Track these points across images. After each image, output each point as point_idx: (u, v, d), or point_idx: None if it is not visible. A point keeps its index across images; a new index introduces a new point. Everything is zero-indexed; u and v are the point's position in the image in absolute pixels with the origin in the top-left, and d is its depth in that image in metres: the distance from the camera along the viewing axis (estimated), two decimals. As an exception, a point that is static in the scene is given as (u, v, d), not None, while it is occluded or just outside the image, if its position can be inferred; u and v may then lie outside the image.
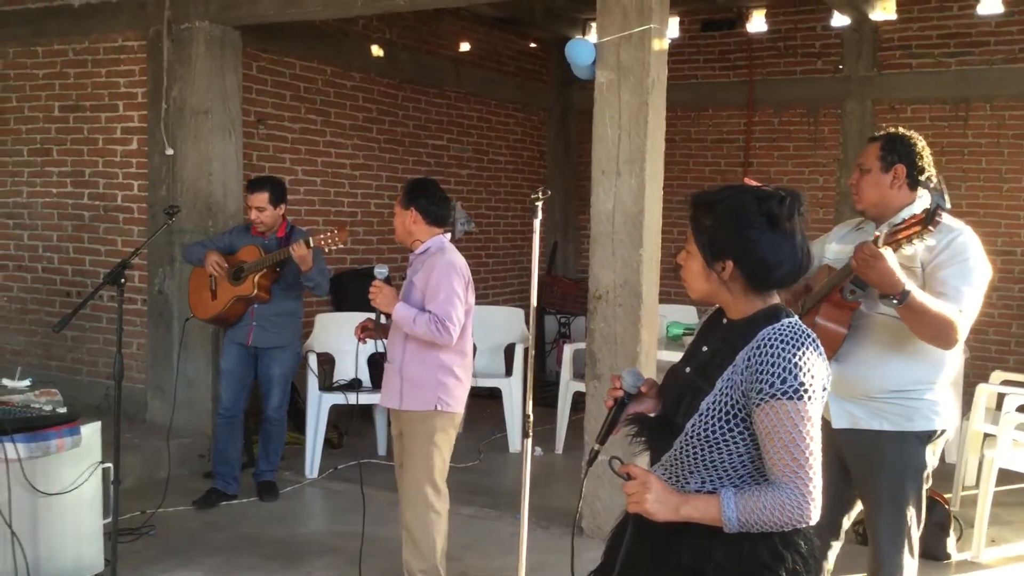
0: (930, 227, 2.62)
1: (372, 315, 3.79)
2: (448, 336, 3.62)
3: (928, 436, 2.95)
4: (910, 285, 2.66)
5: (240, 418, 5.24)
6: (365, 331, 3.81)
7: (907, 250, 2.69)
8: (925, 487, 3.02)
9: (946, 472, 5.57)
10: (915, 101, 7.89)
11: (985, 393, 5.12)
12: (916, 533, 3.02)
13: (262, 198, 5.04)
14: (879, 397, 2.94)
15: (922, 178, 2.99)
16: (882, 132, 3.09)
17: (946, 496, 4.71)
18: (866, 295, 2.85)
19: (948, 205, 2.78)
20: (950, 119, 7.79)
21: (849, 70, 8.04)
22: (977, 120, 7.69)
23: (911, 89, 7.87)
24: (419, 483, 3.73)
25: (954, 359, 2.98)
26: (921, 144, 3.01)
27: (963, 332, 2.78)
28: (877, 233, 2.76)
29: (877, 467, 2.98)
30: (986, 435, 5.03)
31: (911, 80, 7.87)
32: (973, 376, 6.24)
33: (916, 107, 7.90)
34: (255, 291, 4.98)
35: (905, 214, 2.84)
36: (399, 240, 3.92)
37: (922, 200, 2.99)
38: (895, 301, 2.68)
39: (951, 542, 4.51)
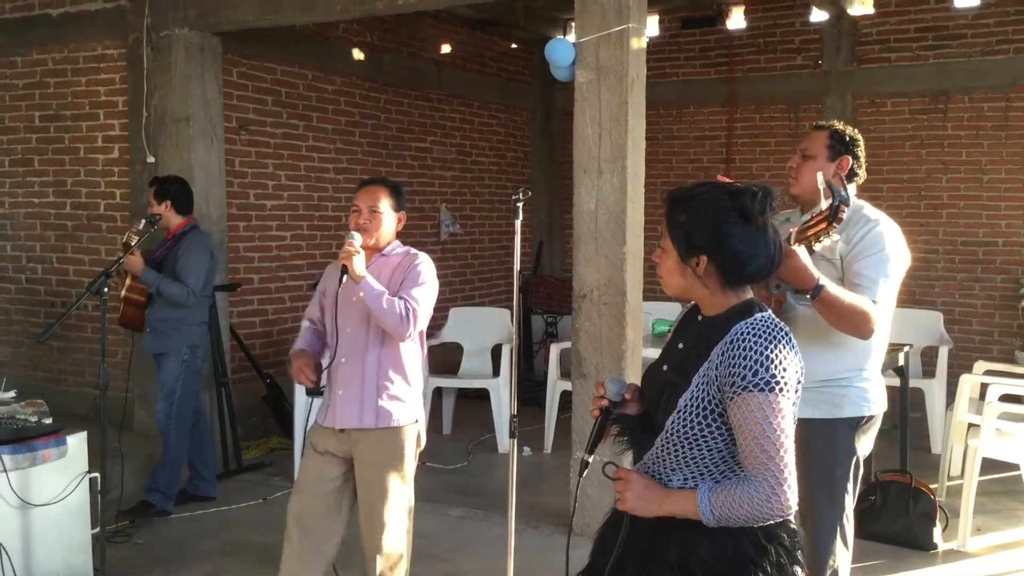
0: (834, 223, 2.64)
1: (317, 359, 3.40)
2: (411, 327, 3.26)
3: (857, 422, 3.03)
4: (823, 280, 2.71)
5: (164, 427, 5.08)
6: (304, 373, 3.31)
7: (817, 247, 2.73)
8: (857, 475, 3.07)
9: (931, 462, 5.63)
10: (895, 95, 7.95)
11: (969, 383, 5.16)
12: (849, 524, 3.06)
13: (151, 192, 5.02)
14: (808, 387, 2.94)
15: (858, 174, 3.09)
16: (827, 123, 3.16)
17: (932, 486, 4.74)
18: (791, 288, 2.88)
19: (851, 199, 2.80)
20: (929, 112, 7.84)
21: (828, 65, 8.09)
22: (956, 112, 7.75)
23: (890, 83, 7.93)
24: (400, 504, 3.39)
25: (881, 346, 3.05)
26: (862, 143, 3.12)
27: (878, 322, 2.85)
28: (791, 230, 2.79)
29: (808, 454, 2.93)
30: (970, 425, 5.06)
31: (890, 74, 7.92)
32: (957, 367, 6.29)
33: (896, 100, 7.96)
34: (123, 291, 4.89)
35: (816, 209, 2.88)
36: (378, 245, 3.40)
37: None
38: (808, 297, 2.74)
39: (937, 532, 4.54)
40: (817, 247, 2.73)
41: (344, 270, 3.21)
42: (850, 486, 3.03)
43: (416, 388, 3.44)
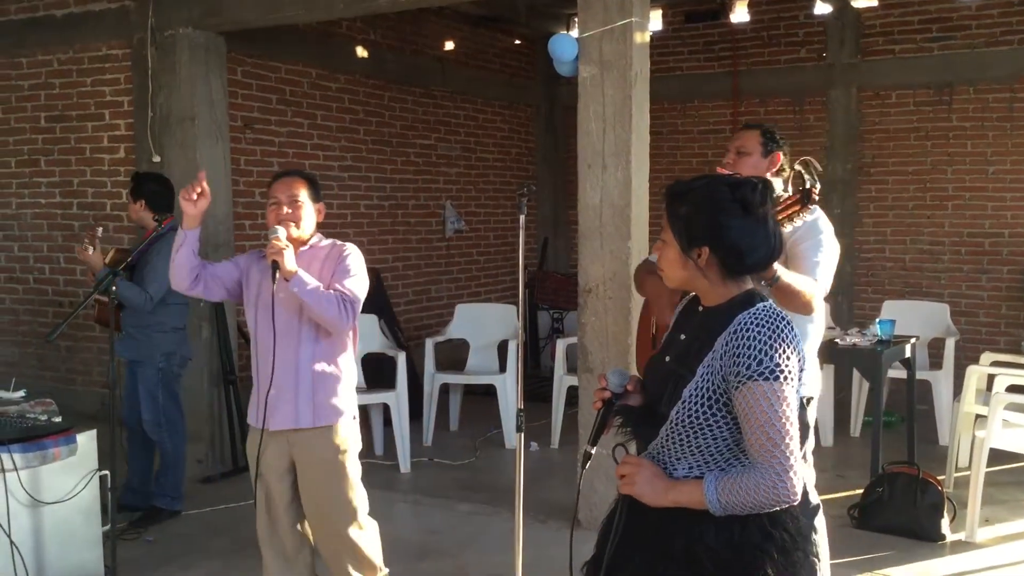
0: (808, 205, 2.88)
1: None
2: (350, 320, 3.16)
3: (803, 402, 3.19)
4: (780, 270, 2.89)
5: (140, 431, 4.97)
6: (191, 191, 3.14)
7: (788, 227, 2.92)
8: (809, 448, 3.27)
9: (939, 454, 5.63)
10: (899, 87, 7.94)
11: (976, 374, 5.15)
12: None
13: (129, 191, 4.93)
14: None
15: (786, 169, 3.32)
16: (757, 123, 3.43)
17: (939, 478, 4.74)
18: None
19: (819, 185, 2.97)
20: (934, 104, 7.83)
21: (833, 58, 8.08)
22: (961, 104, 7.74)
23: (895, 75, 7.92)
24: (351, 505, 3.32)
25: (817, 329, 3.27)
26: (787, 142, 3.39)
27: (819, 300, 3.09)
28: None
29: None
30: (977, 416, 5.06)
31: (895, 66, 7.91)
32: (964, 358, 6.29)
33: (900, 92, 7.95)
34: (95, 293, 4.70)
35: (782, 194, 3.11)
36: (299, 237, 3.25)
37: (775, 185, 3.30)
38: (766, 284, 2.89)
39: (945, 523, 4.54)
40: (788, 228, 2.93)
41: (275, 267, 3.07)
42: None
43: (351, 384, 3.34)
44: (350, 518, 3.33)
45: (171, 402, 4.93)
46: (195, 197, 3.12)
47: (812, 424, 3.32)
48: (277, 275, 3.08)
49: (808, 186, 2.89)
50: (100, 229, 4.84)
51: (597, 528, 2.24)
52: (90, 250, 4.60)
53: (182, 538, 4.72)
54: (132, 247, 4.93)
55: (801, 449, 3.18)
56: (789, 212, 2.91)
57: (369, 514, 3.44)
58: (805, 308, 3.06)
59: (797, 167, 3.12)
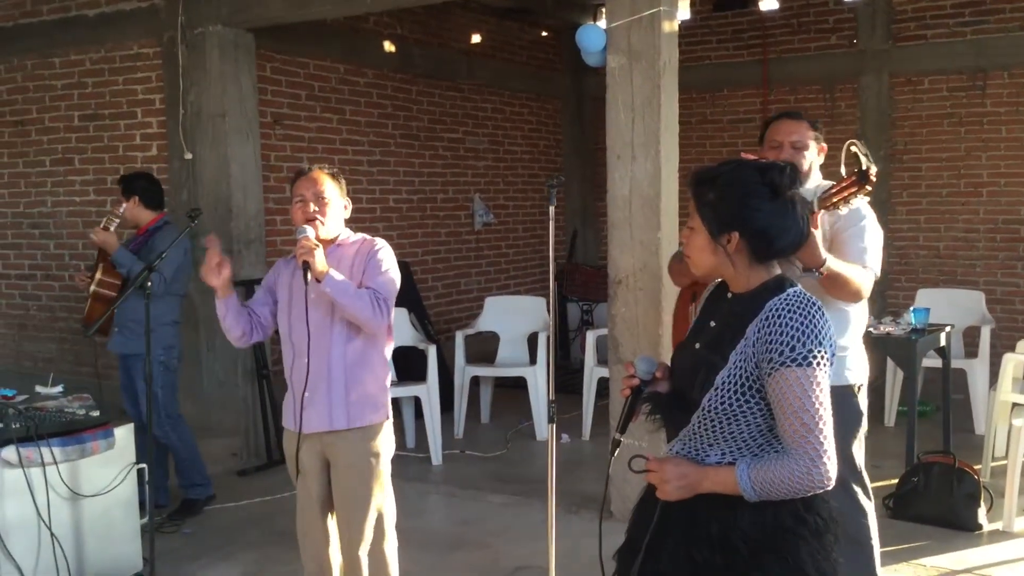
0: (866, 185, 2.79)
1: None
2: (384, 317, 3.09)
3: (852, 389, 3.23)
4: (828, 256, 2.88)
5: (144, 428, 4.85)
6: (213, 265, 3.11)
7: (844, 209, 2.87)
8: (862, 434, 3.30)
9: (975, 443, 5.57)
10: (932, 72, 7.83)
11: (1012, 363, 5.08)
12: (864, 475, 3.32)
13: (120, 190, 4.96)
14: None
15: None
16: (799, 112, 3.39)
17: (976, 467, 4.69)
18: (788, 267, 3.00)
19: (874, 167, 2.87)
20: (968, 89, 7.71)
21: (864, 44, 7.99)
22: (995, 89, 7.62)
23: (927, 60, 7.81)
24: (379, 511, 3.24)
25: (859, 316, 3.24)
26: None
27: (869, 287, 3.05)
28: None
29: None
30: (1014, 404, 4.99)
31: (927, 51, 7.80)
32: (1000, 346, 6.21)
33: (933, 78, 7.84)
34: (92, 286, 4.74)
35: (818, 184, 3.14)
36: (331, 234, 3.19)
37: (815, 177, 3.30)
38: (816, 273, 2.88)
39: (981, 512, 4.49)
40: (844, 210, 2.89)
41: (306, 267, 2.97)
42: (856, 443, 3.26)
43: (386, 384, 3.27)
44: (379, 525, 3.26)
45: (170, 396, 4.91)
46: (214, 266, 3.06)
47: (864, 411, 3.28)
48: (308, 276, 2.98)
49: (864, 167, 2.78)
50: (124, 206, 4.87)
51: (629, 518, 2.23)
52: (113, 225, 4.64)
53: (219, 530, 4.78)
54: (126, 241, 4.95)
55: (855, 435, 3.18)
56: (846, 194, 2.82)
57: (401, 510, 3.40)
58: (855, 296, 3.03)
59: (852, 148, 3.01)
